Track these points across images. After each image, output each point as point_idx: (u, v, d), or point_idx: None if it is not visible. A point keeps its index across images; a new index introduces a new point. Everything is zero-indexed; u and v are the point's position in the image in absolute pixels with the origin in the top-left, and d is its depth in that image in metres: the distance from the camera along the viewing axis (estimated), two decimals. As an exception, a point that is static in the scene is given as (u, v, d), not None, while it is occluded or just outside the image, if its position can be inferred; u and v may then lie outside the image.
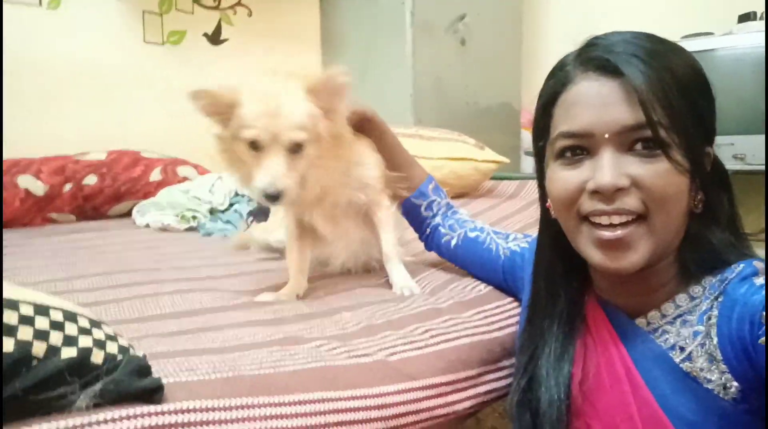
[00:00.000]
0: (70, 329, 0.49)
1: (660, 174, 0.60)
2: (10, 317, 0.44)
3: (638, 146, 0.61)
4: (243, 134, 0.85)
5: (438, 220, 1.10)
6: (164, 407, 0.49)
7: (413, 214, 1.13)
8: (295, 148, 0.85)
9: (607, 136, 0.61)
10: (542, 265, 0.80)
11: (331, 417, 0.60)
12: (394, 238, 1.06)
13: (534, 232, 1.01)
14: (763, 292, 0.56)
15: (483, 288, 0.98)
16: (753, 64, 2.20)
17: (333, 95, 0.89)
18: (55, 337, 0.47)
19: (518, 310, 0.93)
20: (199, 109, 0.87)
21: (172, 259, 1.23)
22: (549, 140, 0.68)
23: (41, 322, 0.47)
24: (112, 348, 0.51)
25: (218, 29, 2.61)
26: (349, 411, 0.62)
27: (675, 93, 0.60)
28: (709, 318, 0.61)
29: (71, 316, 0.50)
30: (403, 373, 0.70)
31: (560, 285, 0.76)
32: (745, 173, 2.23)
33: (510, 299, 0.96)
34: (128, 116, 2.29)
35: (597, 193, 0.62)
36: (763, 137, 2.16)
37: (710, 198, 0.65)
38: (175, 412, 0.50)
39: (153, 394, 0.50)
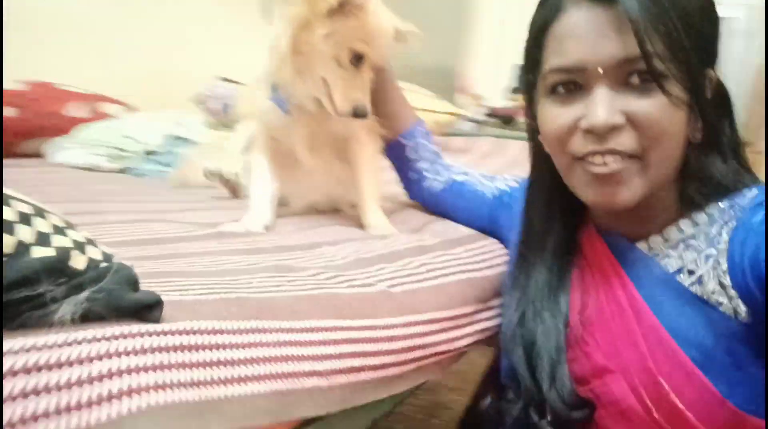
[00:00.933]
0: (42, 225, 0.38)
1: (657, 109, 0.56)
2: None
3: (634, 79, 0.57)
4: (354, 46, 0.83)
5: (423, 165, 1.04)
6: (168, 326, 0.40)
7: (399, 154, 1.06)
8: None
9: (601, 70, 0.57)
10: (535, 200, 0.76)
11: (344, 347, 0.52)
12: (375, 179, 0.98)
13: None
14: None
15: (465, 229, 0.93)
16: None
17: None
18: (24, 232, 0.36)
19: (504, 250, 0.89)
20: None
21: (109, 195, 1.07)
22: (540, 74, 0.64)
23: (4, 213, 0.35)
24: (94, 253, 0.40)
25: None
26: (361, 342, 0.54)
27: (675, 19, 0.55)
28: (719, 243, 0.58)
29: (40, 212, 0.39)
30: (407, 305, 0.64)
31: (554, 219, 0.73)
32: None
33: (494, 240, 0.91)
34: (62, 50, 2.01)
35: (590, 133, 0.59)
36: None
37: (711, 124, 0.62)
38: (180, 332, 0.40)
39: (151, 309, 0.39)
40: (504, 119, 2.74)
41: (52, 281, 0.35)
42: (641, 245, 0.65)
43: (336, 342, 0.51)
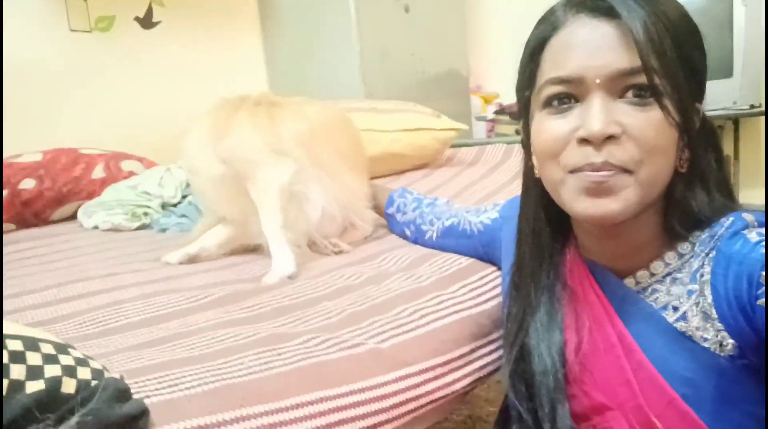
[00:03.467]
0: (33, 358, 0.43)
1: (652, 123, 0.57)
2: (-41, 355, 0.38)
3: (629, 94, 0.58)
4: None
5: (412, 217, 1.12)
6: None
7: (392, 223, 1.19)
8: None
9: (598, 81, 0.58)
10: (526, 228, 0.76)
11: (332, 417, 0.56)
12: (272, 216, 1.02)
13: (501, 199, 1.02)
14: (761, 251, 0.54)
15: (463, 260, 0.95)
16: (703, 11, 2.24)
17: None
18: (17, 370, 0.41)
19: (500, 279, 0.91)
20: None
21: (127, 261, 1.15)
22: (534, 90, 0.64)
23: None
24: (84, 374, 0.45)
25: (149, 12, 2.45)
26: (349, 407, 0.58)
27: (669, 40, 0.57)
28: (702, 275, 0.59)
29: (32, 344, 0.44)
30: (397, 359, 0.67)
31: (545, 248, 0.74)
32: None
33: (492, 269, 0.93)
34: (61, 112, 2.13)
35: (586, 142, 0.59)
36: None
37: (697, 157, 0.63)
38: (166, 437, 0.45)
39: (137, 420, 0.44)
40: (512, 115, 2.73)
41: (45, 413, 0.40)
42: (629, 281, 0.66)
43: (323, 413, 0.55)
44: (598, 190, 0.60)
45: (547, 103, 0.62)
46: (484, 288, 0.88)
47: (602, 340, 0.66)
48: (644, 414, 0.60)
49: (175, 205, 1.67)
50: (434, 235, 1.05)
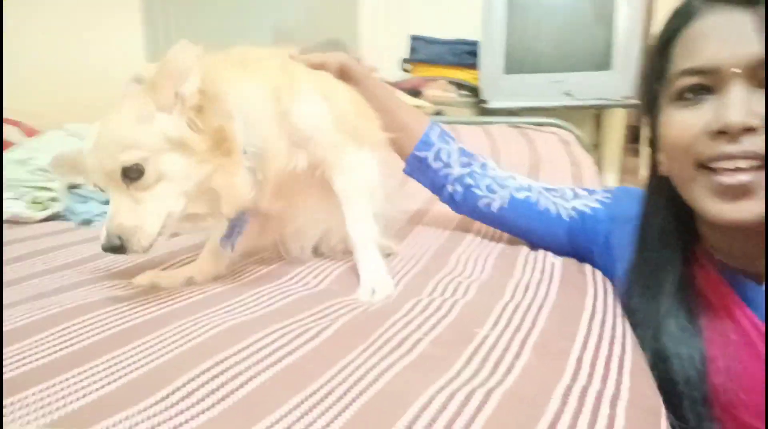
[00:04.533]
0: None
1: None
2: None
3: None
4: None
5: (458, 172, 0.91)
6: None
7: (422, 170, 0.93)
8: (135, 173, 0.62)
9: (737, 70, 0.56)
10: (653, 230, 0.71)
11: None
12: (363, 212, 0.79)
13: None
14: None
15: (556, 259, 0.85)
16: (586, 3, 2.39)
17: (178, 83, 0.64)
18: None
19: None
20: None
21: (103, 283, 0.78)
22: (666, 81, 0.62)
23: None
24: None
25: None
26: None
27: None
28: None
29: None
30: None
31: (675, 251, 0.69)
32: (575, 108, 2.47)
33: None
34: None
35: (722, 134, 0.56)
36: (588, 74, 2.40)
37: None
38: None
39: None
40: (409, 93, 2.68)
41: None
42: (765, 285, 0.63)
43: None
44: (734, 192, 0.57)
45: (680, 95, 0.61)
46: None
47: (747, 350, 0.62)
48: None
49: (79, 187, 1.30)
50: (497, 204, 0.89)
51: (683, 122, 0.60)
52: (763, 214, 0.57)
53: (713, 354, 0.65)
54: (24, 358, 0.52)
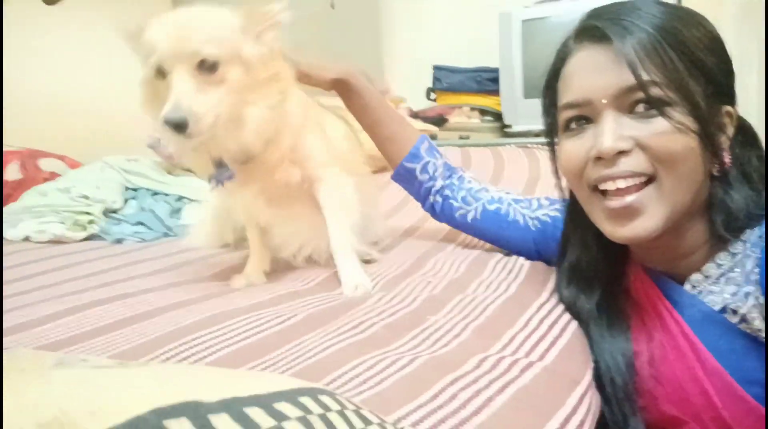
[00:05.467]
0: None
1: (660, 133, 0.60)
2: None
3: (639, 108, 0.61)
4: (148, 63, 0.72)
5: (440, 184, 0.98)
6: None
7: (408, 180, 1.01)
8: (209, 67, 0.71)
9: (604, 101, 0.62)
10: (578, 238, 0.77)
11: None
12: (344, 224, 0.89)
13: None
14: None
15: (522, 260, 0.92)
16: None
17: (267, 28, 0.77)
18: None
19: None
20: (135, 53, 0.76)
21: (90, 289, 0.92)
22: (556, 114, 0.69)
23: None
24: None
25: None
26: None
27: (669, 50, 0.60)
28: (754, 276, 0.61)
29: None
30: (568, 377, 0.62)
31: (598, 258, 0.75)
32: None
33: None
34: None
35: (600, 159, 0.62)
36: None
37: (736, 157, 0.66)
38: None
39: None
40: (435, 121, 2.76)
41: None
42: (686, 286, 0.67)
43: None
44: (623, 214, 0.63)
45: (566, 126, 0.67)
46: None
47: (672, 350, 0.66)
48: (726, 425, 0.61)
49: (115, 211, 1.45)
50: (470, 216, 0.95)
51: (571, 151, 0.66)
52: (656, 228, 0.62)
53: (639, 349, 0.69)
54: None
